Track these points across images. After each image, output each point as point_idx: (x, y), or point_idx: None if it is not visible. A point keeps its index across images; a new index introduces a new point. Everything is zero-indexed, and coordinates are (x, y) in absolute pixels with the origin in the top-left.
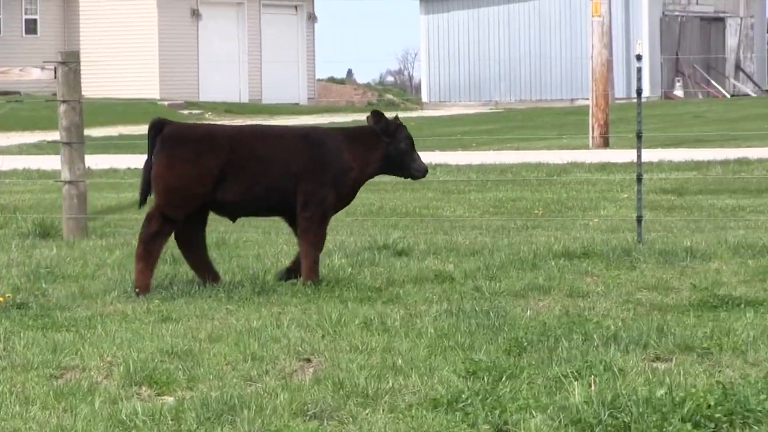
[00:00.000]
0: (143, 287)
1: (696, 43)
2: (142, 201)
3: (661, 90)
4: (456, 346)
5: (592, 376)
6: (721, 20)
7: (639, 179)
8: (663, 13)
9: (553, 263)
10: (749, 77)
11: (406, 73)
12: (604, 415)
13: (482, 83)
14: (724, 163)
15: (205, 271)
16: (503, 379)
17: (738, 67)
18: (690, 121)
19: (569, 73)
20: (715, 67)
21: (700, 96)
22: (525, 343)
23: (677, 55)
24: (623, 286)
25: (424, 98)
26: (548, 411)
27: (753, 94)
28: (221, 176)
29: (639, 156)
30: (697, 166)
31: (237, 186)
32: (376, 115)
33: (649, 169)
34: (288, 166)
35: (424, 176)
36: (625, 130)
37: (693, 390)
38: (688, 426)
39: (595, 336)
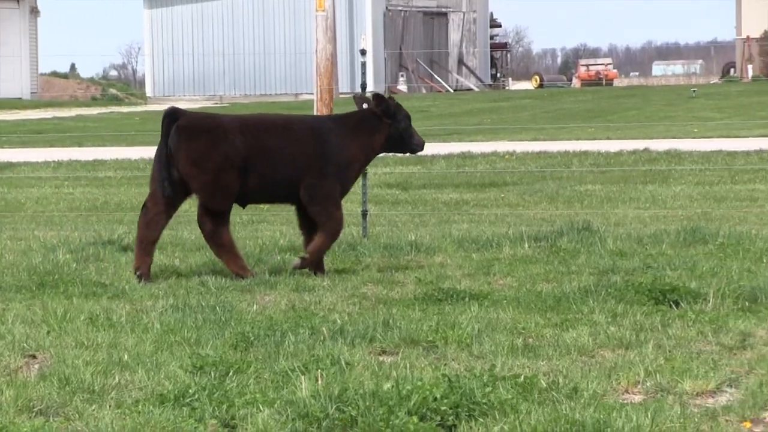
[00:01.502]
0: (144, 270)
1: (419, 38)
2: (165, 189)
3: (385, 85)
4: (183, 342)
5: (319, 370)
6: (444, 15)
7: (364, 174)
8: (386, 8)
9: (279, 257)
10: (472, 72)
11: (130, 67)
12: (332, 408)
13: (206, 78)
14: (448, 157)
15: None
16: (230, 373)
17: (461, 62)
18: (414, 115)
19: (293, 67)
20: (438, 62)
21: (424, 90)
22: (252, 338)
23: (401, 49)
24: (349, 280)
25: (149, 93)
26: (275, 405)
27: (476, 89)
28: (244, 165)
29: None
30: (420, 160)
31: (254, 174)
32: (378, 98)
33: (374, 163)
34: (296, 157)
35: (422, 150)
36: None
37: (419, 383)
38: (415, 419)
39: (324, 329)
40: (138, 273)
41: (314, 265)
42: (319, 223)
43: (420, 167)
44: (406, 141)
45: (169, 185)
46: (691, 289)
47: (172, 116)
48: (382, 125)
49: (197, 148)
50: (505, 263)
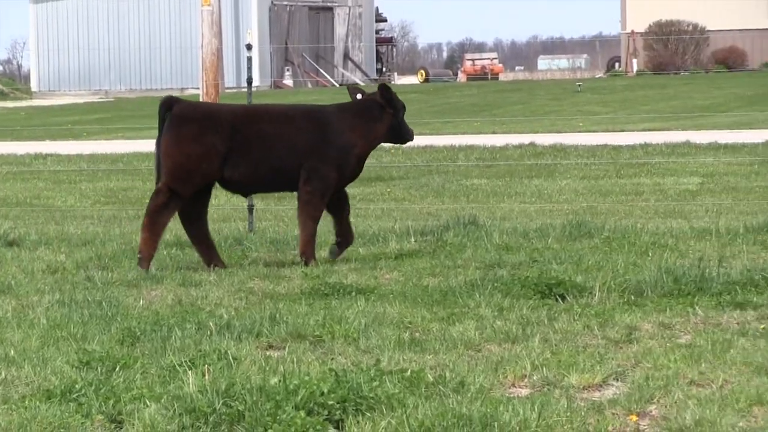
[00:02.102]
0: (146, 256)
1: (305, 33)
2: (158, 177)
3: (271, 79)
4: (69, 337)
5: (206, 365)
6: (330, 10)
7: None
8: (272, 2)
9: (165, 252)
10: (358, 66)
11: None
12: (219, 403)
13: (92, 73)
14: None
15: (208, 252)
16: (117, 369)
17: (347, 57)
18: None
19: (179, 62)
20: (324, 57)
21: (310, 85)
22: (138, 333)
23: (286, 44)
24: (235, 275)
25: (34, 88)
26: (162, 400)
27: (361, 83)
28: (227, 154)
29: None
30: None
31: (244, 164)
32: (384, 88)
33: None
34: (294, 144)
35: (412, 140)
36: None
37: (306, 378)
38: (302, 414)
39: (211, 324)
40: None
41: (309, 255)
42: (301, 201)
43: None
44: (402, 131)
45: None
46: (577, 282)
47: (168, 105)
48: (385, 114)
49: (183, 133)
50: (391, 258)
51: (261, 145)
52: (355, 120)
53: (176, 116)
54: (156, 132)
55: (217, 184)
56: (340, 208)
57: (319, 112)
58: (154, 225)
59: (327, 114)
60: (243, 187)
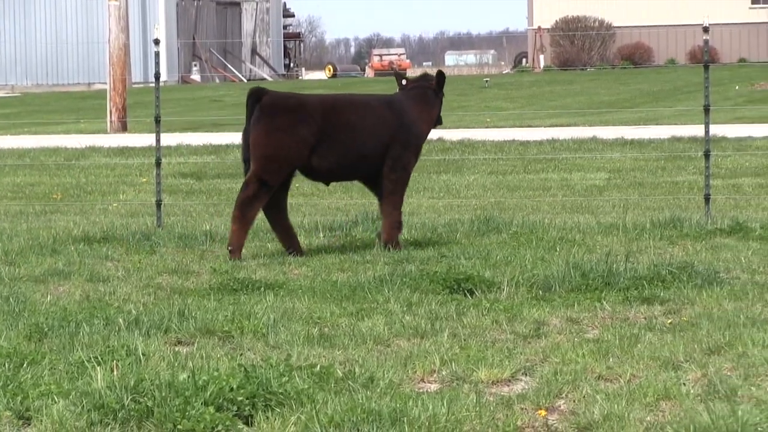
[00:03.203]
0: (237, 247)
1: (212, 28)
2: (247, 168)
3: (178, 74)
4: None
5: (115, 361)
6: (237, 5)
7: (158, 163)
8: None
9: (72, 248)
10: (265, 62)
11: None
12: (127, 399)
13: None
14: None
15: (288, 239)
16: (24, 365)
17: (254, 52)
18: (208, 105)
19: (86, 57)
20: (231, 52)
21: (217, 80)
22: (46, 329)
23: (194, 39)
24: (144, 270)
25: None
26: (71, 396)
27: (269, 79)
28: (316, 144)
29: (158, 140)
30: (215, 149)
31: (332, 153)
32: (441, 75)
33: (168, 153)
34: (378, 133)
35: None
36: (143, 114)
37: (215, 373)
38: (211, 409)
39: (119, 320)
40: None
41: (395, 243)
42: (387, 191)
43: (214, 156)
44: (439, 117)
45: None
46: (486, 277)
47: (257, 96)
48: (437, 100)
49: (274, 124)
50: None
51: (348, 134)
52: (420, 107)
53: (267, 106)
54: (243, 123)
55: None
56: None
57: (394, 100)
58: (244, 217)
59: (400, 102)
60: (328, 176)
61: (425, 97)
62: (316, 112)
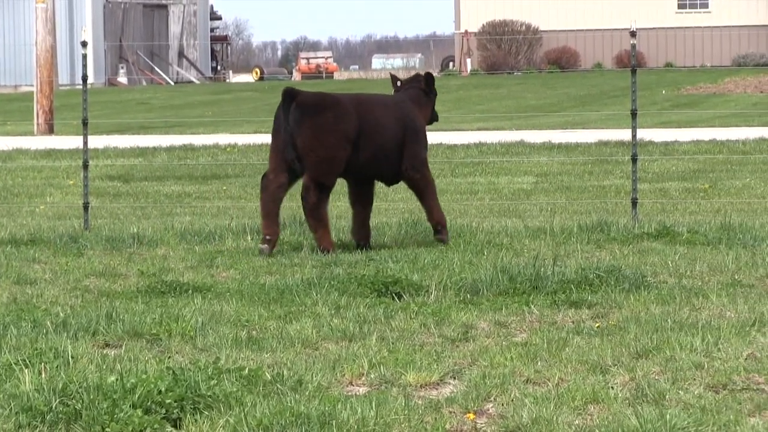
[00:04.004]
0: (328, 246)
1: (140, 30)
2: (294, 167)
3: (105, 76)
4: None
5: (43, 364)
6: (165, 7)
7: (85, 166)
8: (106, 0)
9: (0, 250)
10: (193, 64)
11: None
12: (55, 402)
13: None
14: (170, 149)
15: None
16: None
17: (181, 55)
18: (135, 107)
19: (13, 59)
20: (158, 54)
21: (144, 83)
22: None
23: (121, 41)
24: (71, 272)
25: None
26: None
27: (196, 81)
28: (356, 141)
29: (85, 142)
30: (142, 152)
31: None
32: (429, 77)
33: (96, 155)
34: (396, 132)
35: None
36: (70, 116)
37: (144, 376)
38: (139, 412)
39: (47, 322)
40: (267, 237)
41: (445, 227)
42: (420, 188)
43: (141, 159)
44: (434, 114)
45: (297, 162)
46: (414, 281)
47: (291, 95)
48: (430, 100)
49: (320, 123)
50: (227, 256)
51: (377, 132)
52: (417, 106)
53: (304, 106)
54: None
55: None
56: (364, 203)
57: (402, 101)
58: (320, 221)
59: (406, 102)
60: (356, 173)
61: (420, 97)
62: (351, 109)
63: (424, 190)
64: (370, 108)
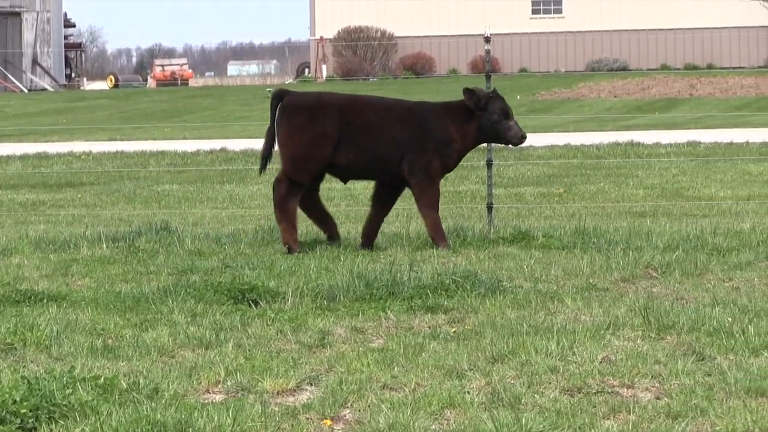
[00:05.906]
0: (292, 243)
1: None
2: (263, 167)
3: None
4: None
5: None
6: (18, 15)
7: None
8: None
9: None
10: (46, 72)
11: None
12: None
13: None
14: (23, 157)
15: (326, 224)
16: None
17: (35, 62)
18: None
19: None
20: (12, 62)
21: None
22: None
23: None
24: None
25: None
26: None
27: (51, 89)
28: (339, 141)
29: None
30: None
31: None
32: (468, 92)
33: None
34: (394, 136)
35: (521, 142)
36: None
37: None
38: None
39: None
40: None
41: (440, 238)
42: (415, 194)
43: None
44: (501, 133)
45: (268, 163)
46: (270, 287)
47: (279, 97)
48: (474, 116)
49: (297, 123)
50: (83, 264)
51: (365, 133)
52: (450, 118)
53: (287, 106)
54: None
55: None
56: (383, 204)
57: (426, 108)
58: (286, 213)
59: (431, 111)
60: (345, 173)
61: (458, 111)
62: (336, 111)
63: (419, 197)
64: (362, 110)
